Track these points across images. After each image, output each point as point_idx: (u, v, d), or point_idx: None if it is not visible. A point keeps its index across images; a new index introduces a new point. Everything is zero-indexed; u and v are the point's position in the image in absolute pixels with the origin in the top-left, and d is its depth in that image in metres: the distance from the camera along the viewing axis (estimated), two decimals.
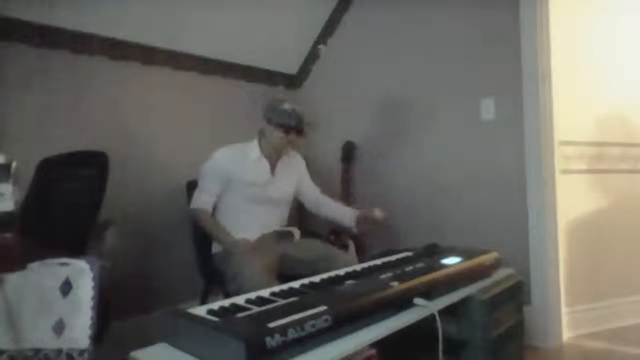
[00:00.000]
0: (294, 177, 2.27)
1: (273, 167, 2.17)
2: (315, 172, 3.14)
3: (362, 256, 2.51)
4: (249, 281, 1.73)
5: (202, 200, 2.08)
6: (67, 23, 2.11)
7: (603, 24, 2.53)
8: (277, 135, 2.08)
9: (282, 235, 2.19)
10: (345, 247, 2.56)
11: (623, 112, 2.58)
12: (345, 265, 1.68)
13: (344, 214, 2.24)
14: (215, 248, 2.13)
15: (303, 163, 2.36)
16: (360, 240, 2.69)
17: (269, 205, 2.16)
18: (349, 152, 2.89)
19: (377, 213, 2.14)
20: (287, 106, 2.07)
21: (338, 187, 2.86)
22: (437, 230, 2.49)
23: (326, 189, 2.57)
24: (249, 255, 1.90)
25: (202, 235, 2.19)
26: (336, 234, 2.67)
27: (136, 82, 2.42)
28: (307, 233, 2.39)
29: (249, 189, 2.09)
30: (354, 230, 2.24)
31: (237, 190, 2.10)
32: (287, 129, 2.07)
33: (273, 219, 2.19)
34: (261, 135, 2.15)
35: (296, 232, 2.27)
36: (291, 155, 2.27)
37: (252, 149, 2.14)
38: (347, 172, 2.87)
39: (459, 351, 1.43)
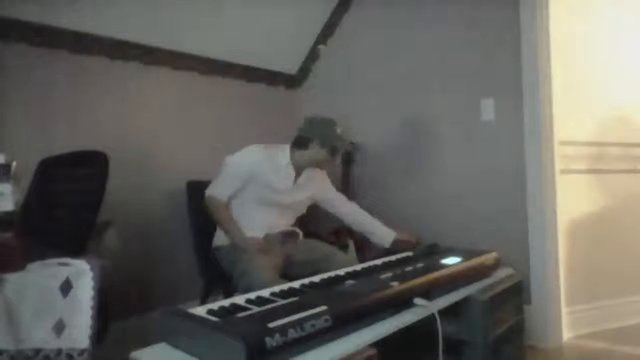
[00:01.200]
0: (312, 191, 2.27)
1: (297, 177, 2.18)
2: None
3: (362, 256, 2.51)
4: (258, 280, 1.75)
5: (221, 191, 2.06)
6: (67, 23, 2.11)
7: (603, 24, 2.53)
8: (323, 155, 2.12)
9: (286, 236, 2.19)
10: (345, 247, 2.56)
11: (623, 112, 2.58)
12: (346, 266, 1.69)
13: (382, 236, 2.29)
14: (218, 241, 2.13)
15: (325, 177, 2.35)
16: (360, 240, 2.69)
17: (280, 209, 2.17)
18: (349, 153, 2.90)
19: (412, 236, 2.29)
20: (339, 130, 2.13)
21: (338, 189, 2.86)
22: (437, 231, 2.49)
23: None
24: (258, 254, 1.92)
25: (202, 234, 2.19)
26: (336, 234, 2.67)
27: (136, 82, 2.42)
28: (307, 233, 2.39)
29: (267, 192, 2.09)
30: (387, 246, 2.30)
31: (254, 190, 2.09)
32: (335, 153, 2.14)
33: (281, 222, 2.20)
34: (298, 144, 2.14)
35: (299, 233, 2.28)
36: (312, 172, 2.25)
37: (284, 154, 2.14)
38: (347, 173, 2.87)
39: (459, 351, 1.43)
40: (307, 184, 2.22)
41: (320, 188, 2.31)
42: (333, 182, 2.48)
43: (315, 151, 2.12)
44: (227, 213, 2.07)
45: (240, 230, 2.04)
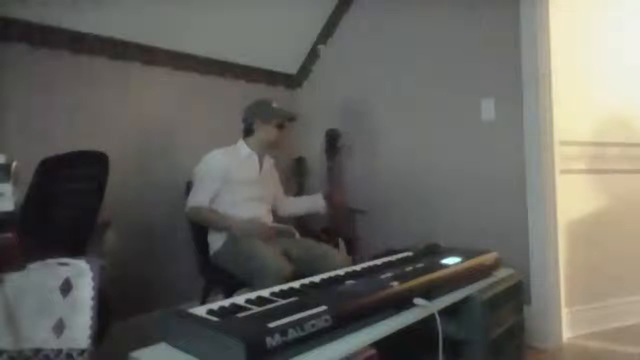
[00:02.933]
0: (274, 177, 2.42)
1: (261, 165, 2.28)
2: (315, 173, 3.15)
3: (352, 256, 2.51)
4: (267, 260, 1.83)
5: (200, 199, 2.12)
6: (67, 23, 2.11)
7: (603, 24, 2.53)
8: (271, 131, 2.23)
9: (282, 233, 2.20)
10: (335, 246, 2.56)
11: (623, 112, 2.58)
12: (342, 266, 1.69)
13: (314, 200, 2.44)
14: (214, 247, 2.13)
15: (275, 170, 2.46)
16: (351, 240, 2.69)
17: (256, 202, 2.22)
18: (332, 141, 2.75)
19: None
20: (275, 105, 2.27)
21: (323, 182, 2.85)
22: (437, 230, 2.49)
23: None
24: (259, 241, 1.99)
25: (201, 235, 2.20)
26: (327, 233, 2.66)
27: (136, 82, 2.42)
28: (303, 231, 2.40)
29: (241, 187, 2.16)
30: (324, 211, 2.43)
31: (229, 190, 2.14)
32: (281, 125, 2.25)
33: (262, 215, 2.23)
34: (246, 132, 2.27)
35: (295, 232, 2.29)
36: (268, 159, 2.37)
37: (241, 148, 2.25)
38: (331, 163, 2.77)
39: (459, 351, 1.43)
40: (270, 170, 2.35)
41: (276, 178, 2.44)
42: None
43: (262, 131, 2.23)
44: (214, 212, 2.12)
45: (237, 220, 2.09)
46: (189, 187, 2.26)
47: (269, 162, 2.35)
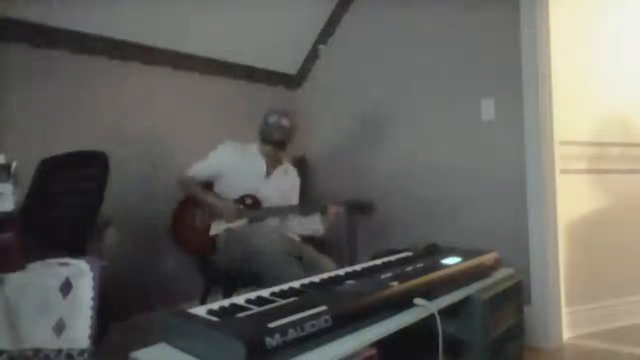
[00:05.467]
0: (285, 186, 2.33)
1: (269, 171, 2.27)
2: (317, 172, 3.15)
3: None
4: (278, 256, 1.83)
5: (194, 173, 2.19)
6: (67, 23, 2.12)
7: (603, 24, 2.53)
8: (265, 150, 2.27)
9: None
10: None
11: (623, 112, 2.58)
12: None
13: (315, 221, 2.30)
14: (215, 230, 2.14)
15: (297, 179, 2.43)
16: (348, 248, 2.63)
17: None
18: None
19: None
20: (272, 119, 2.26)
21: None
22: (437, 231, 2.49)
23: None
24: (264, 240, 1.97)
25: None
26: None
27: (136, 82, 2.42)
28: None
29: (242, 184, 2.17)
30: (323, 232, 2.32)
31: (227, 184, 2.17)
32: (266, 141, 2.26)
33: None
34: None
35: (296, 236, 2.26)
36: (289, 169, 2.38)
37: (252, 150, 2.28)
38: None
39: (459, 351, 1.43)
40: (281, 178, 2.31)
41: (291, 186, 2.38)
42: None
43: (259, 145, 2.28)
44: (199, 187, 2.18)
45: (216, 197, 2.15)
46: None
47: (283, 170, 2.33)
